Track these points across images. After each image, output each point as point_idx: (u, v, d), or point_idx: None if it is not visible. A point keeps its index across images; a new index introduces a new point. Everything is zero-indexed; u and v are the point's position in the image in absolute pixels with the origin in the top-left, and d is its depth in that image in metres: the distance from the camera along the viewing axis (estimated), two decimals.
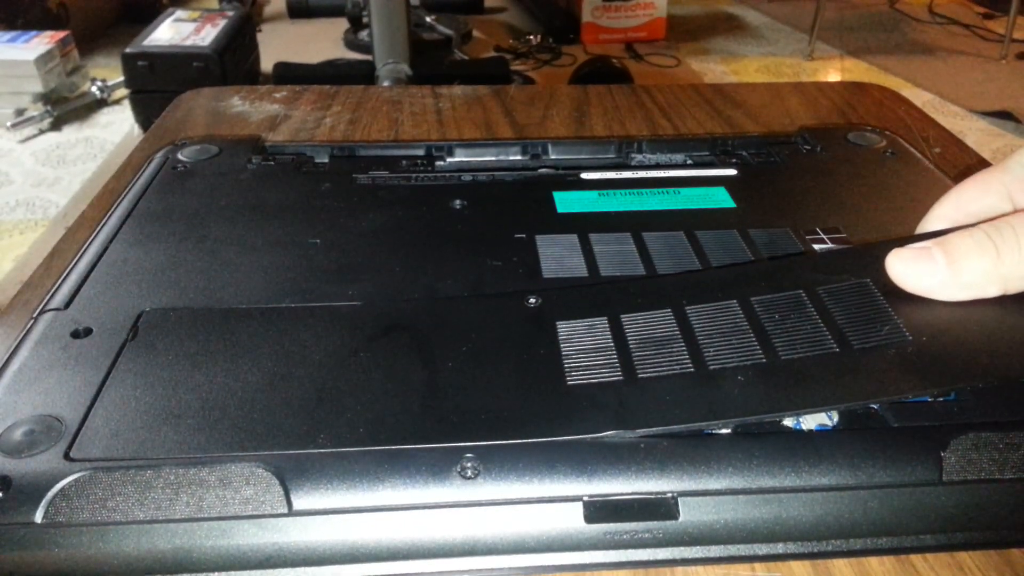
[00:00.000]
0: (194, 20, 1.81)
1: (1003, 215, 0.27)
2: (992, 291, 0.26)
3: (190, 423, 0.23)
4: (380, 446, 0.23)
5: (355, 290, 0.30)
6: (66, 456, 0.22)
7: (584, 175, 0.39)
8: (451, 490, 0.22)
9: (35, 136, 1.77)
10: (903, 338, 0.25)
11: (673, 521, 0.22)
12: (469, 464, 0.22)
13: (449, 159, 0.41)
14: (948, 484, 0.23)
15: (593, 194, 0.37)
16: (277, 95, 0.54)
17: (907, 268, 0.26)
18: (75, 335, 0.27)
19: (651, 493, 0.22)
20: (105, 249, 0.32)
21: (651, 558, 0.22)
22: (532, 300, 0.29)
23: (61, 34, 1.90)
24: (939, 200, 0.29)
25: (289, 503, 0.22)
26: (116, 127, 1.82)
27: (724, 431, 0.24)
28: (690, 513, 0.22)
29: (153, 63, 1.66)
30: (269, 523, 0.21)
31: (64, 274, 0.31)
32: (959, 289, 0.26)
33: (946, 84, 2.12)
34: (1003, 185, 0.28)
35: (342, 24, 2.37)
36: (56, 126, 1.80)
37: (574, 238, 0.33)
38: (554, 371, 0.25)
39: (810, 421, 0.24)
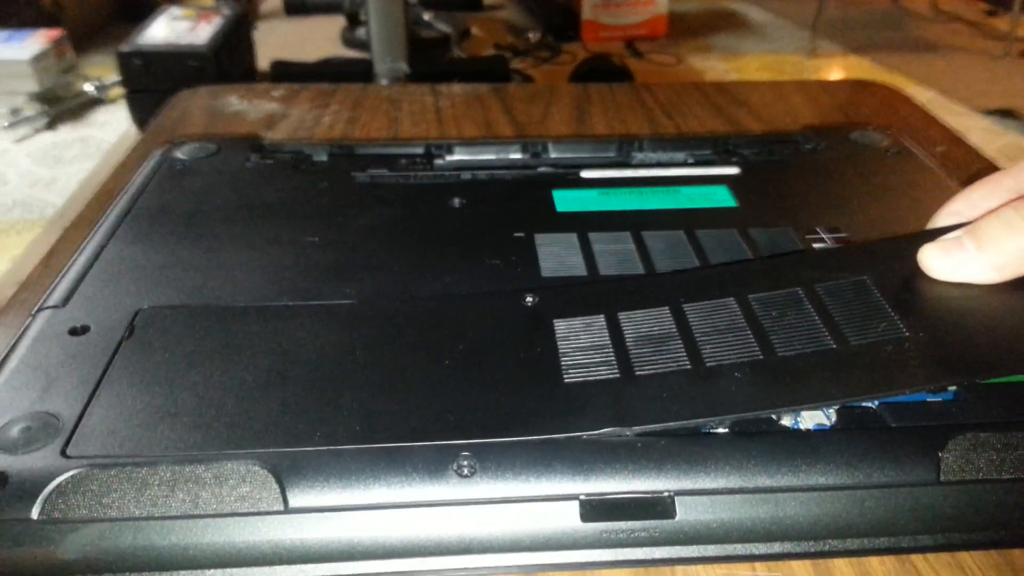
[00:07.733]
0: (189, 18, 1.80)
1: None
2: None
3: (186, 420, 0.23)
4: (376, 444, 0.23)
5: (353, 288, 0.30)
6: (63, 453, 0.22)
7: (584, 174, 0.39)
8: (447, 488, 0.22)
9: (31, 136, 1.76)
10: (900, 335, 0.25)
11: (670, 520, 0.22)
12: (465, 462, 0.22)
13: (448, 157, 0.41)
14: (946, 484, 0.22)
15: (593, 193, 0.37)
16: (275, 93, 0.54)
17: (941, 262, 0.27)
18: (73, 332, 0.27)
19: (648, 492, 0.22)
20: (103, 247, 0.32)
21: (648, 557, 0.22)
22: (529, 298, 0.29)
23: (56, 33, 1.89)
24: (951, 198, 0.29)
25: (285, 500, 0.22)
26: (112, 126, 1.82)
27: (722, 430, 0.24)
28: (687, 512, 0.22)
29: (149, 61, 1.65)
30: (265, 520, 0.21)
31: (62, 272, 0.31)
32: (995, 272, 0.26)
33: (949, 82, 2.12)
34: (1018, 183, 0.28)
35: (339, 21, 2.37)
36: (52, 126, 1.80)
37: (573, 237, 0.33)
38: (551, 369, 0.25)
39: (808, 420, 0.24)
